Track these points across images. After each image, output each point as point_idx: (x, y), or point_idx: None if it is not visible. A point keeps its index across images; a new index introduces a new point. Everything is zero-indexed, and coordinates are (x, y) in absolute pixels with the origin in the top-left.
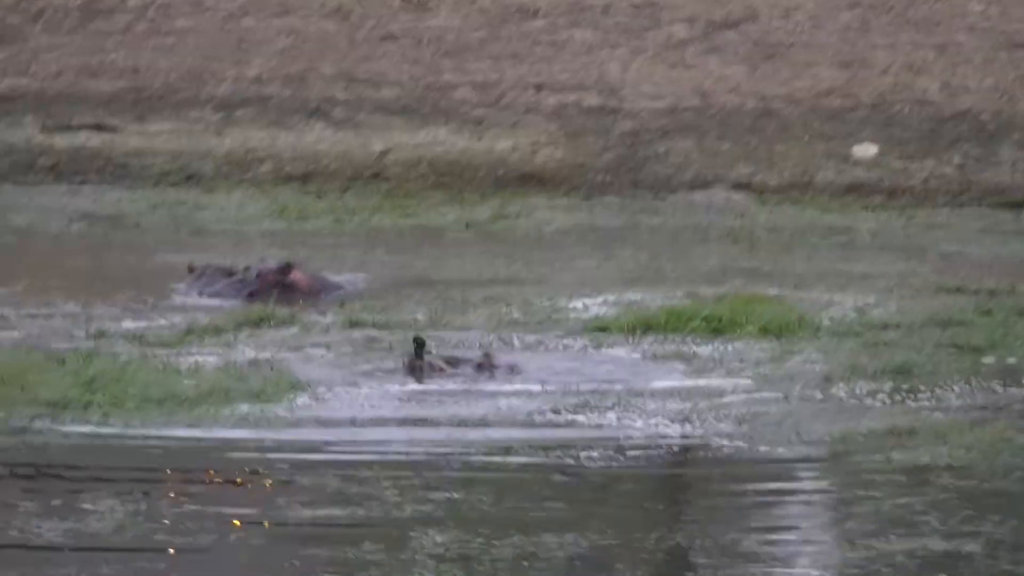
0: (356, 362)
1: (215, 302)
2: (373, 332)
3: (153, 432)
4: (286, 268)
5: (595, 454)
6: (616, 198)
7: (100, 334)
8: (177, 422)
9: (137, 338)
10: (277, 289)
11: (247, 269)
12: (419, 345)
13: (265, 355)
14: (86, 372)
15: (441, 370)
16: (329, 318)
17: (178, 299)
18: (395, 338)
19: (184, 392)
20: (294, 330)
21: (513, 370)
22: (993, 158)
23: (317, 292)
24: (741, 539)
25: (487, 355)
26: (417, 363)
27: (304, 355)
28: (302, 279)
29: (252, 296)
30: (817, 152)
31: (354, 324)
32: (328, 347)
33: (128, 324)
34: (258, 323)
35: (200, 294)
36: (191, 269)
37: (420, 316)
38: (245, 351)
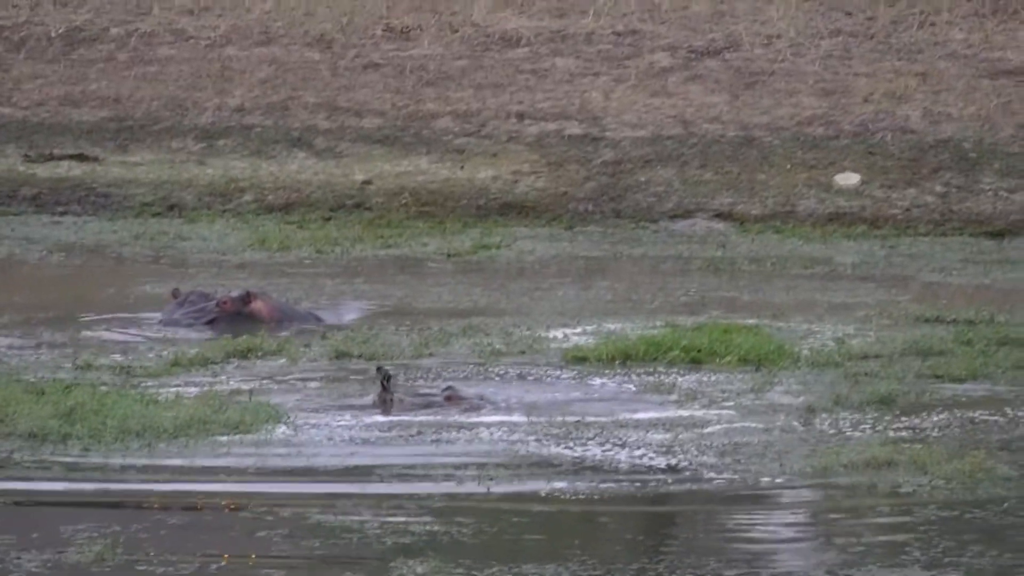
0: (337, 393)
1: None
2: (360, 363)
3: (134, 465)
4: (247, 297)
5: (577, 485)
6: (598, 228)
7: (86, 365)
8: (157, 454)
9: (124, 369)
10: (237, 318)
11: (210, 297)
12: (385, 377)
13: (248, 386)
14: (65, 403)
15: (407, 403)
16: (316, 348)
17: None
18: (367, 367)
19: (163, 424)
20: (281, 361)
21: (481, 401)
22: (975, 187)
23: (279, 321)
24: (722, 570)
25: (450, 388)
26: (386, 396)
27: (287, 386)
28: (262, 308)
29: (211, 324)
30: (799, 181)
31: (341, 355)
32: (310, 378)
33: (116, 355)
34: (246, 354)
35: (160, 322)
36: (175, 295)
37: (405, 347)
38: (228, 382)
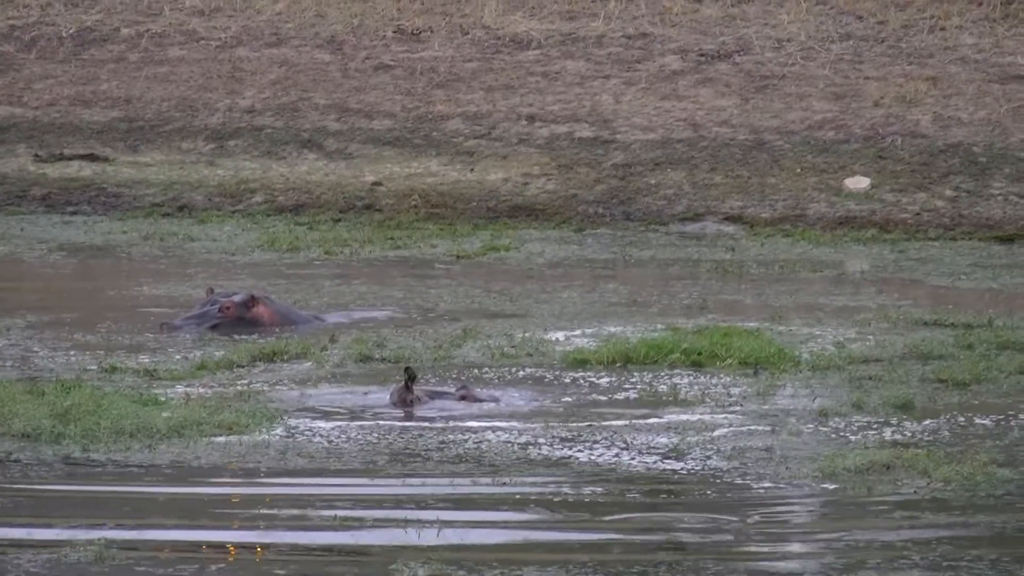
0: (347, 394)
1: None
2: (381, 366)
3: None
4: (250, 302)
5: (581, 488)
6: (608, 230)
7: (112, 368)
8: (155, 451)
9: (148, 372)
10: (240, 322)
11: (213, 302)
12: (410, 377)
13: (257, 387)
14: (61, 404)
15: (423, 401)
16: (340, 352)
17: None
18: (393, 370)
19: (157, 424)
20: (307, 364)
21: (495, 403)
22: (985, 191)
23: (281, 325)
24: (722, 574)
25: (465, 388)
26: (407, 395)
27: (300, 388)
28: (264, 312)
29: (214, 329)
30: (809, 185)
31: (365, 358)
32: (325, 380)
33: (143, 358)
34: (272, 357)
35: (162, 326)
36: (210, 291)
37: (420, 350)
38: (245, 384)
